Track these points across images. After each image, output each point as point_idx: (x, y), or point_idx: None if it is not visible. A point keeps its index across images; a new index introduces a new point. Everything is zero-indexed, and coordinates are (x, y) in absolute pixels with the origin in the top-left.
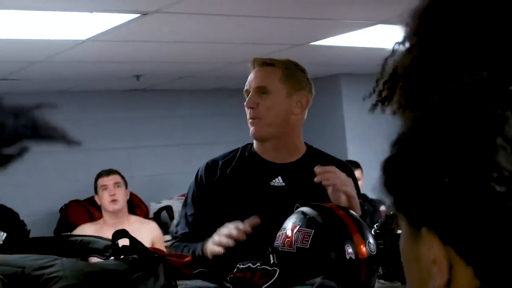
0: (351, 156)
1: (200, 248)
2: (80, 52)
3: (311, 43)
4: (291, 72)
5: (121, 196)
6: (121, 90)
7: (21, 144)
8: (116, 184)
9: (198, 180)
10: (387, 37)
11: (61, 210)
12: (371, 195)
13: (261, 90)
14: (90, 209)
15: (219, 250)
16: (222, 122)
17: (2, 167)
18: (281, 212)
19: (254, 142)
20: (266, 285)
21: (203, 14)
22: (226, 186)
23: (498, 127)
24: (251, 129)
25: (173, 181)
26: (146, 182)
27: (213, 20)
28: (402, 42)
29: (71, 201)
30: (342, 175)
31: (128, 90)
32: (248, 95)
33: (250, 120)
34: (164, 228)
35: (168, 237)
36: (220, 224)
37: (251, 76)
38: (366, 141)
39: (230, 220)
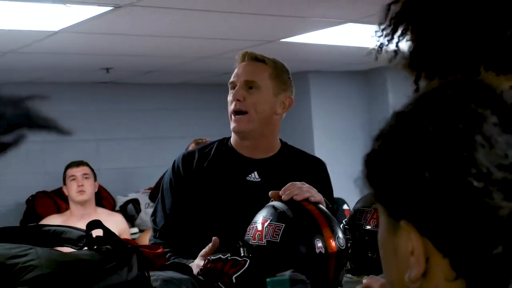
0: (318, 153)
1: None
2: (52, 43)
3: (281, 40)
4: (279, 72)
5: (89, 188)
6: (90, 82)
7: (18, 132)
8: (85, 176)
9: (175, 171)
10: (356, 36)
11: (28, 201)
12: (335, 193)
13: (249, 84)
14: (57, 201)
15: None
16: (189, 116)
17: (1, 154)
18: (256, 207)
19: (232, 137)
20: (237, 274)
21: (175, 9)
22: (203, 179)
23: (477, 125)
24: (234, 124)
25: (140, 175)
26: (114, 175)
27: (185, 14)
28: None
29: (38, 192)
30: (305, 186)
31: (98, 82)
32: (233, 87)
33: (234, 114)
34: (131, 220)
35: (135, 230)
36: (197, 216)
37: (239, 69)
38: (333, 138)
39: (206, 212)
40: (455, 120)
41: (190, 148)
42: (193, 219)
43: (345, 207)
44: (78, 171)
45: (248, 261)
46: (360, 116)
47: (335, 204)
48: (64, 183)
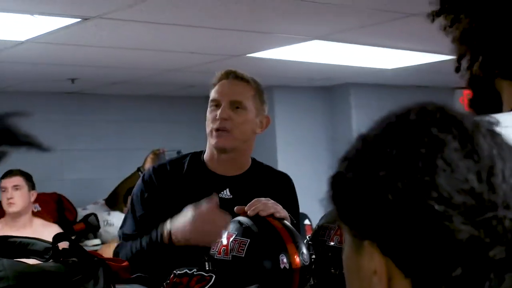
0: (281, 167)
1: (157, 233)
2: (18, 53)
3: (247, 55)
4: (260, 92)
5: (19, 199)
6: (56, 92)
7: (1, 148)
8: (15, 187)
9: (147, 182)
10: (321, 52)
11: None
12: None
13: (236, 105)
14: None
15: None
16: (154, 129)
17: None
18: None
19: (207, 153)
20: None
21: (142, 22)
22: (175, 193)
23: (439, 150)
24: (215, 139)
25: (102, 186)
26: (78, 186)
27: (152, 28)
28: None
29: None
30: (270, 202)
31: (63, 93)
32: (215, 104)
33: (216, 131)
34: (94, 231)
35: (97, 241)
36: None
37: (222, 87)
38: (296, 153)
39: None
40: (417, 145)
41: (149, 159)
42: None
43: (306, 222)
44: (9, 182)
45: (214, 276)
46: (323, 131)
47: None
48: None
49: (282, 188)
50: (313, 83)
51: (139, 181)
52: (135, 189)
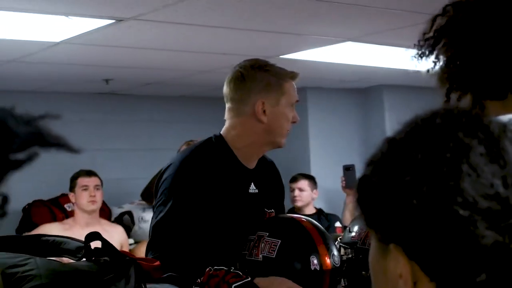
0: (314, 169)
1: None
2: (53, 54)
3: (280, 56)
4: None
5: (99, 198)
6: (90, 92)
7: (31, 150)
8: (97, 187)
9: (186, 176)
10: (355, 54)
11: (24, 209)
12: (329, 210)
13: None
14: (54, 210)
15: None
16: (185, 129)
17: (14, 171)
18: (257, 219)
19: (247, 142)
20: (237, 284)
21: (176, 23)
22: (211, 188)
23: (464, 154)
24: (285, 139)
25: (135, 186)
26: (109, 186)
27: (186, 29)
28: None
29: (35, 201)
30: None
31: (97, 93)
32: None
33: (287, 132)
34: (127, 231)
35: (130, 241)
36: (205, 227)
37: (294, 89)
38: (329, 154)
39: (214, 226)
40: (443, 149)
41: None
42: (203, 229)
43: (337, 224)
44: (90, 182)
45: (250, 278)
46: (356, 133)
47: (328, 221)
48: (71, 190)
49: (277, 175)
50: (346, 85)
51: (178, 173)
52: (172, 185)
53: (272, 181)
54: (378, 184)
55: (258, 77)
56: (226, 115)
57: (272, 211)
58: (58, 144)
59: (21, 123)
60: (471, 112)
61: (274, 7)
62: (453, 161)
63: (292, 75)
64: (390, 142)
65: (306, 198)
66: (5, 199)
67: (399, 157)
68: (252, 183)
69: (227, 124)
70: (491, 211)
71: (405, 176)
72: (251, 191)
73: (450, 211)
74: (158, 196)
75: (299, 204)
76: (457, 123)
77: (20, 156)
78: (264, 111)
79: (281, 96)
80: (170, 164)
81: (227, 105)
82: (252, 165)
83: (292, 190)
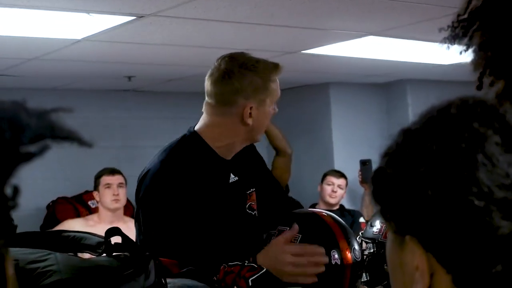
0: (337, 163)
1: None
2: (75, 51)
3: (302, 51)
4: None
5: (123, 197)
6: (112, 89)
7: (42, 143)
8: (120, 185)
9: (167, 187)
10: (377, 48)
11: (48, 206)
12: (350, 206)
13: None
14: (77, 207)
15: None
16: None
17: (26, 163)
18: (242, 205)
19: (223, 137)
20: (253, 277)
21: (198, 19)
22: (194, 191)
23: (480, 144)
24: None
25: None
26: (134, 183)
27: (207, 25)
28: None
29: (59, 198)
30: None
31: (119, 90)
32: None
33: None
34: None
35: None
36: (198, 228)
37: (278, 85)
38: (352, 149)
39: (205, 224)
40: (458, 140)
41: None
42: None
43: (361, 219)
44: (114, 180)
45: (265, 269)
46: (379, 128)
47: (351, 217)
48: (95, 188)
49: (250, 151)
50: (368, 80)
51: (156, 184)
52: (161, 194)
53: (248, 160)
54: (393, 176)
55: (246, 79)
56: (206, 110)
57: (253, 191)
58: (70, 137)
59: (33, 116)
60: (487, 102)
61: (295, 1)
62: (468, 151)
63: (277, 70)
64: (405, 133)
65: (341, 197)
66: (16, 190)
67: (414, 148)
68: (231, 173)
69: (206, 119)
70: (506, 201)
71: (420, 167)
72: (232, 180)
73: (466, 202)
74: (143, 210)
75: (334, 201)
76: (472, 113)
77: (31, 149)
78: (250, 114)
79: (267, 98)
80: (148, 171)
81: (208, 100)
82: (229, 157)
83: (331, 184)
